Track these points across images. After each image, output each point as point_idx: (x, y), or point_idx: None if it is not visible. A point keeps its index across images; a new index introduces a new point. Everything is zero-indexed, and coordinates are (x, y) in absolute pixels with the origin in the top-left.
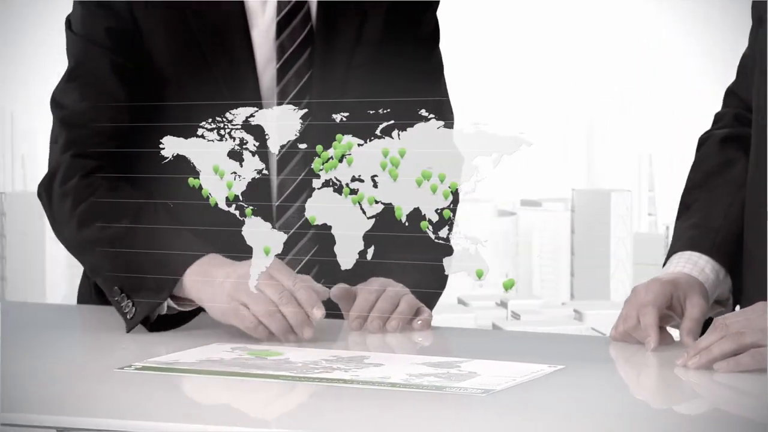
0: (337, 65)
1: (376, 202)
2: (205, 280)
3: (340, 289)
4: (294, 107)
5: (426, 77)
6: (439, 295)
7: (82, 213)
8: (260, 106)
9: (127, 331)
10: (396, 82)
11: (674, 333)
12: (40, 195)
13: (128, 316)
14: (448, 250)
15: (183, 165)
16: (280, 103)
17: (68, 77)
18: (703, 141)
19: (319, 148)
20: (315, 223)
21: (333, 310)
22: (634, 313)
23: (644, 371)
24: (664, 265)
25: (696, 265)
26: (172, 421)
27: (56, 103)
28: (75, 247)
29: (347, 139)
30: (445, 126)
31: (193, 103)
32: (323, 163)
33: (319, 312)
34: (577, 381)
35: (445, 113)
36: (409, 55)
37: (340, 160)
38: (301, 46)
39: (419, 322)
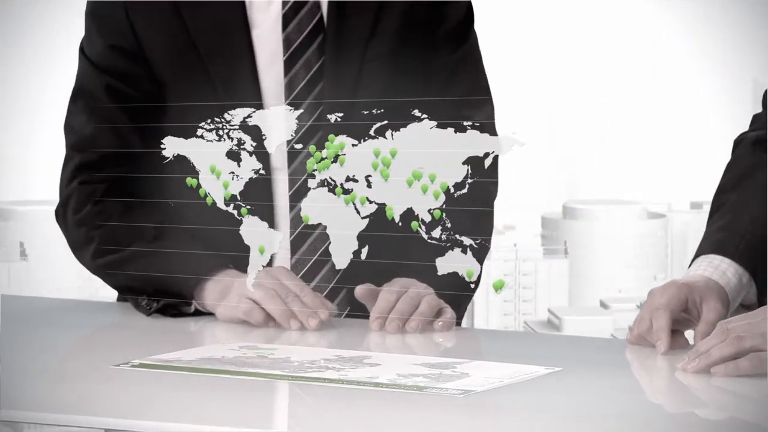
0: (350, 57)
1: (369, 201)
2: (222, 289)
3: (364, 289)
4: (290, 107)
5: (451, 72)
6: (469, 297)
7: (98, 242)
8: (261, 106)
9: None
10: (414, 76)
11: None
12: (57, 220)
13: (149, 309)
14: (443, 251)
15: (187, 168)
16: (287, 96)
17: (72, 98)
18: (738, 142)
19: (312, 148)
20: (309, 223)
21: (360, 311)
22: (647, 316)
23: (645, 375)
24: (689, 267)
25: (717, 268)
26: (146, 419)
27: (67, 125)
28: (94, 272)
29: (340, 139)
30: (486, 126)
31: (195, 104)
32: (316, 163)
33: (323, 314)
34: (567, 383)
35: (483, 109)
36: (429, 49)
37: (334, 160)
38: (310, 37)
39: (440, 323)
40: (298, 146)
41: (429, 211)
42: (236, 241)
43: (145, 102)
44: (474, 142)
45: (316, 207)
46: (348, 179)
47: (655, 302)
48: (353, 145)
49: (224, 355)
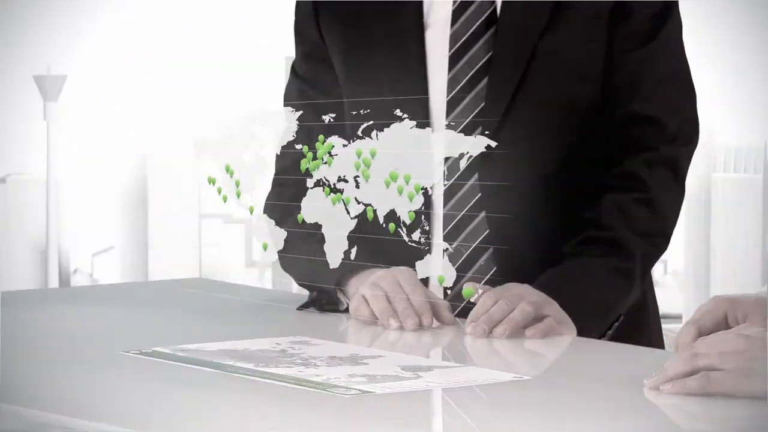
0: (520, 53)
1: (358, 202)
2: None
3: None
4: (292, 109)
5: (635, 71)
6: (613, 315)
7: (284, 240)
8: (426, 102)
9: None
10: (589, 76)
11: None
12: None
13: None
14: (422, 254)
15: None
16: (449, 92)
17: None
18: None
19: (305, 148)
20: (302, 221)
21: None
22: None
23: (626, 390)
24: None
25: None
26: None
27: None
28: (283, 266)
29: (330, 140)
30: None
31: (363, 100)
32: (308, 163)
33: (426, 321)
34: (519, 392)
35: (681, 111)
36: (612, 45)
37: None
38: (477, 33)
39: (531, 330)
40: (298, 146)
41: (409, 212)
42: (396, 243)
43: (333, 106)
44: (453, 143)
45: (313, 206)
46: (340, 179)
47: (692, 317)
48: (344, 145)
49: (246, 347)
